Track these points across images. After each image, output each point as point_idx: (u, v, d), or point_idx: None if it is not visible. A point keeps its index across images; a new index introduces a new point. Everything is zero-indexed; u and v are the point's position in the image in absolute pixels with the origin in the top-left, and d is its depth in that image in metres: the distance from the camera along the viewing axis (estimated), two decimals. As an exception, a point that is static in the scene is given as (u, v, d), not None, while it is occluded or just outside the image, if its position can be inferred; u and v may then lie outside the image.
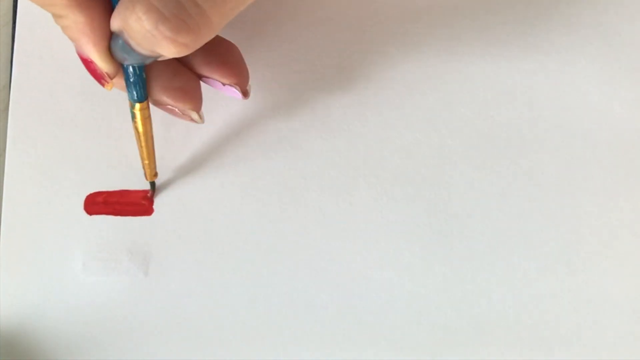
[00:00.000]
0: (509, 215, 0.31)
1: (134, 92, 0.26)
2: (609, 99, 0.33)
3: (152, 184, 0.30)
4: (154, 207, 0.31)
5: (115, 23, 0.23)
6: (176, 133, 0.31)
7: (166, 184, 0.31)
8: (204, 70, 0.28)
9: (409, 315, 0.30)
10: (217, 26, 0.23)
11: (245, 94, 0.29)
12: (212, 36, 0.23)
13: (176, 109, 0.28)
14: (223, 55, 0.28)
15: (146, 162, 0.29)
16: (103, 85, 0.26)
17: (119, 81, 0.26)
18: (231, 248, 0.31)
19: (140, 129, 0.28)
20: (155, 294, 0.30)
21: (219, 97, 0.31)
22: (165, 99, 0.27)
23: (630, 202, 0.32)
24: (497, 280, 0.31)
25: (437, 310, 0.30)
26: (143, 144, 0.28)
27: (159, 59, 0.24)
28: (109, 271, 0.30)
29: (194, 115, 0.28)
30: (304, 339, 0.30)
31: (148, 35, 0.22)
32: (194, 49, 0.23)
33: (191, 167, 0.31)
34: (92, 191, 0.31)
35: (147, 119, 0.28)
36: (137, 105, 0.27)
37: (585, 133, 0.32)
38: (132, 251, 0.30)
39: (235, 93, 0.29)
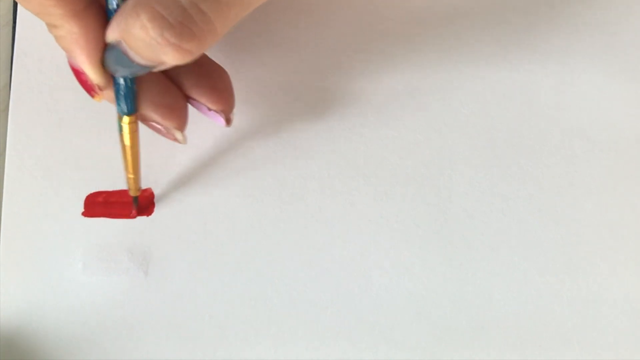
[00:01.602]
0: (509, 215, 0.31)
1: (124, 105, 0.26)
2: (609, 99, 0.33)
3: (136, 198, 0.30)
4: (154, 207, 0.31)
5: (113, 33, 0.23)
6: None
7: (166, 184, 0.31)
8: (193, 93, 0.28)
9: (409, 315, 0.30)
10: (220, 32, 0.23)
11: (228, 121, 0.29)
12: (216, 42, 0.23)
13: (161, 127, 0.28)
14: (214, 81, 0.28)
15: (131, 176, 0.29)
16: (93, 96, 0.26)
17: (109, 93, 0.26)
18: (231, 248, 0.31)
19: (128, 142, 0.27)
20: (155, 294, 0.30)
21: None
22: (153, 115, 0.27)
23: (630, 202, 0.32)
24: (497, 280, 0.31)
25: (437, 310, 0.30)
26: (129, 157, 0.28)
27: (155, 70, 0.24)
28: (109, 271, 0.30)
29: (178, 135, 0.28)
30: (304, 339, 0.30)
31: (153, 43, 0.22)
32: (198, 56, 0.23)
33: (192, 167, 0.31)
34: (92, 191, 0.31)
35: (134, 133, 0.27)
36: (126, 119, 0.26)
37: (585, 133, 0.32)
38: (132, 251, 0.30)
39: (218, 119, 0.29)
